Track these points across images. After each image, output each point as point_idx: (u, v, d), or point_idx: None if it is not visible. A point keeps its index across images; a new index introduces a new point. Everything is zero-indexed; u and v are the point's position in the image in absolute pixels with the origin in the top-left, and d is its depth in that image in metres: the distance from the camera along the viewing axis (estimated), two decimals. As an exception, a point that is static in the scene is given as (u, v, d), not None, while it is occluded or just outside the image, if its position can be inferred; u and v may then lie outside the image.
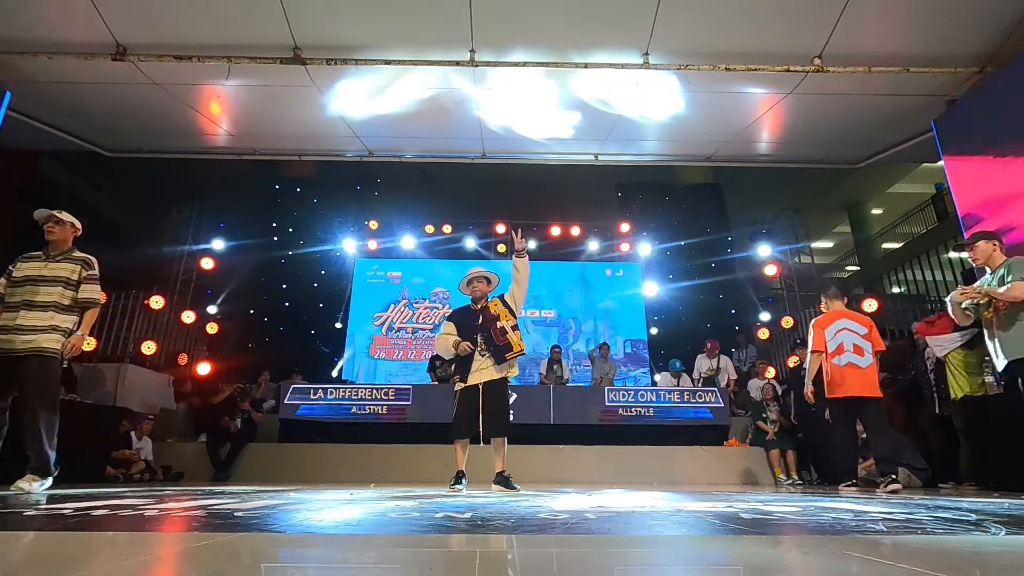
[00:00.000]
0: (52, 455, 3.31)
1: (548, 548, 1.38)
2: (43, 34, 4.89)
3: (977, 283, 3.80)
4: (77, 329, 3.53)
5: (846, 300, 4.69)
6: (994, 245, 3.74)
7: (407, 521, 1.85)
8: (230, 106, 6.09)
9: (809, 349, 4.54)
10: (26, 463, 3.28)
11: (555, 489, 4.23)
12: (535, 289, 10.86)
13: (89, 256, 3.62)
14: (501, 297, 4.06)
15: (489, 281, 4.09)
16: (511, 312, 3.96)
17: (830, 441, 4.88)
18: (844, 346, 4.34)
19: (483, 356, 3.89)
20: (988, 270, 3.75)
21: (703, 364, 8.27)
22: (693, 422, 6.78)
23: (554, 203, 11.07)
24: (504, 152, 7.03)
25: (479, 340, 3.90)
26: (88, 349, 6.87)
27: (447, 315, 4.13)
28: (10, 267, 3.49)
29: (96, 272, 3.61)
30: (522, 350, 3.87)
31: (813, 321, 4.66)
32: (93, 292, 3.55)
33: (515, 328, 3.90)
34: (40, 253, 3.54)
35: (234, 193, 10.64)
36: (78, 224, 3.66)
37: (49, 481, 3.30)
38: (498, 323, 3.87)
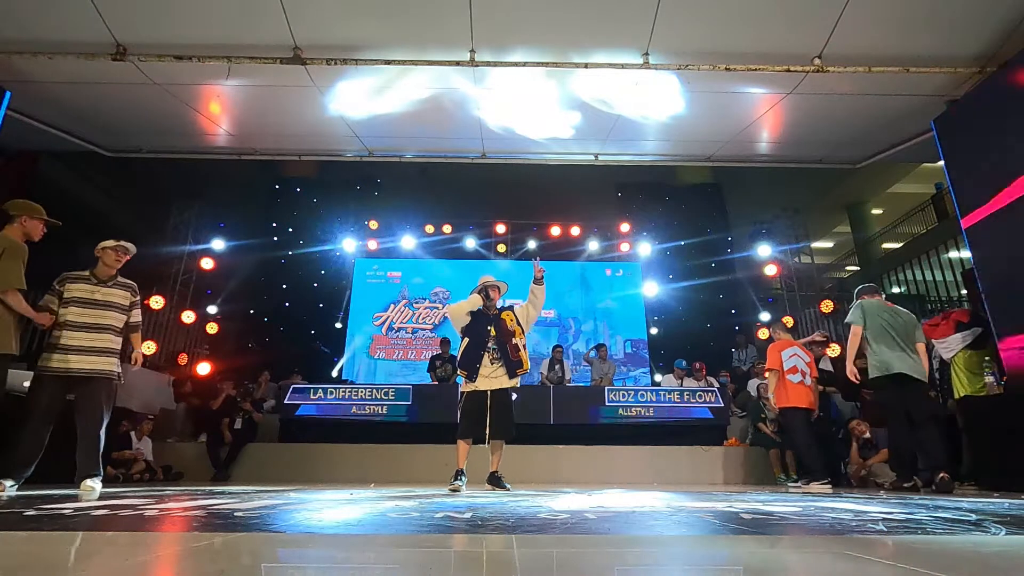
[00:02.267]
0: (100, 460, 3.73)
1: (548, 548, 1.38)
2: (43, 34, 4.89)
3: None
4: (129, 349, 3.96)
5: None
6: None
7: (407, 521, 1.85)
8: (230, 106, 6.09)
9: (766, 367, 5.47)
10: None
11: (555, 489, 4.23)
12: (535, 289, 10.84)
13: (133, 282, 3.98)
14: (513, 311, 4.24)
15: (500, 290, 4.30)
16: (522, 330, 4.18)
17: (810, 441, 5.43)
18: (797, 368, 5.31)
19: (494, 364, 4.06)
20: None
21: (692, 386, 8.23)
22: (693, 422, 6.77)
23: (554, 203, 11.04)
24: (504, 152, 7.02)
25: (494, 348, 4.08)
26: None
27: (480, 292, 4.25)
28: (57, 286, 3.70)
29: (139, 298, 4.03)
30: (527, 369, 4.15)
31: (770, 346, 5.58)
32: (140, 316, 4.03)
33: (524, 347, 4.15)
34: (87, 274, 3.77)
35: (234, 193, 10.62)
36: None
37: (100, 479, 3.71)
38: (514, 339, 4.10)
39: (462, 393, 4.12)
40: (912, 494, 3.86)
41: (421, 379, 8.92)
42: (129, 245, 3.85)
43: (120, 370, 3.83)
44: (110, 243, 3.80)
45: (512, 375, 4.04)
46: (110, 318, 3.76)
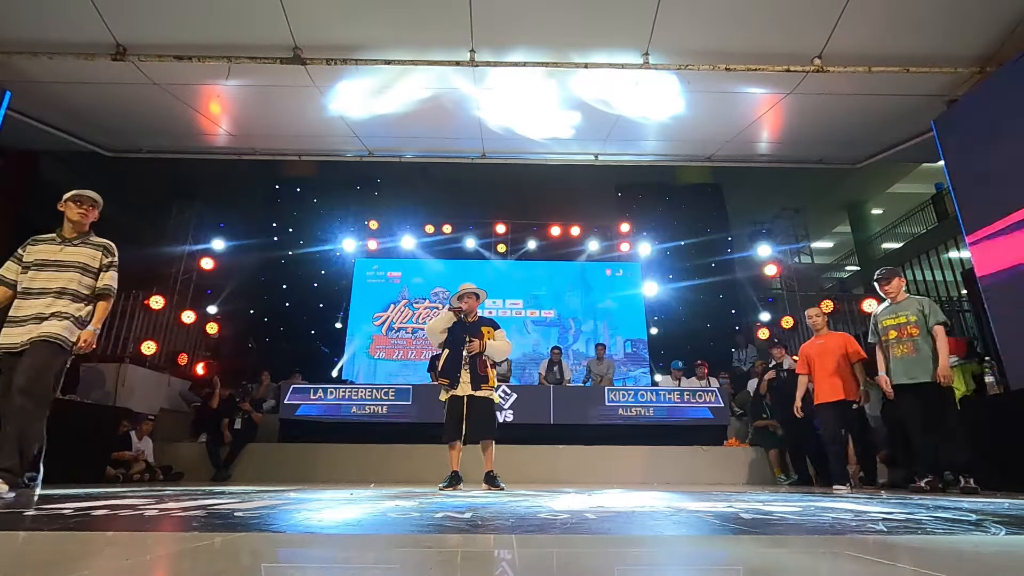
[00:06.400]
0: (28, 459, 2.88)
1: (548, 548, 1.38)
2: (43, 34, 4.89)
3: (880, 313, 4.40)
4: (90, 322, 3.16)
5: None
6: (903, 281, 4.39)
7: (407, 521, 1.85)
8: (230, 106, 6.09)
9: (862, 356, 4.76)
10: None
11: (555, 489, 4.24)
12: (535, 289, 10.87)
13: (109, 242, 3.30)
14: (493, 332, 4.41)
15: (478, 296, 4.45)
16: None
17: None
18: None
19: (469, 373, 4.26)
20: (889, 302, 4.38)
21: (694, 386, 8.20)
22: (693, 422, 6.77)
23: (554, 203, 11.04)
24: (504, 152, 7.02)
25: (467, 358, 4.25)
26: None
27: (451, 308, 4.39)
28: (20, 251, 3.16)
29: (117, 260, 3.30)
30: (493, 386, 4.34)
31: (847, 337, 4.96)
32: (113, 280, 3.26)
33: (494, 366, 4.39)
34: (53, 236, 3.20)
35: (234, 193, 10.61)
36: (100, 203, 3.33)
37: (15, 491, 2.79)
38: (484, 358, 4.29)
39: (443, 400, 4.31)
40: (914, 494, 3.86)
41: (421, 379, 8.91)
42: (92, 193, 3.24)
43: (75, 340, 3.07)
44: (69, 194, 3.22)
45: (477, 387, 4.21)
46: (71, 280, 3.10)
